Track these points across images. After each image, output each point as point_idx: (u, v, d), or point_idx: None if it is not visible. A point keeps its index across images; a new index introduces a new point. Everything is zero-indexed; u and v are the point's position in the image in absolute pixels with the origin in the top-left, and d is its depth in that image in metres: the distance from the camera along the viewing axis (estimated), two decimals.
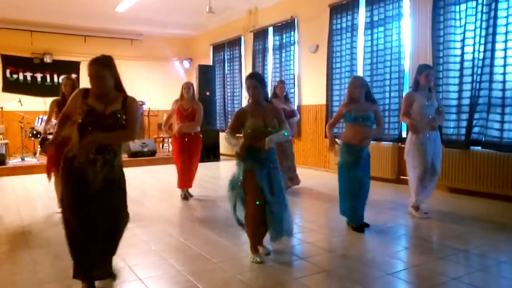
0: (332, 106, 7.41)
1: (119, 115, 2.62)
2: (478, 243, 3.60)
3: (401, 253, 3.45)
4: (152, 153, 9.50)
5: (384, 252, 3.41)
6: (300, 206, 5.23)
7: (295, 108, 6.05)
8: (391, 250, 3.47)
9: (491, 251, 3.38)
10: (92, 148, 2.54)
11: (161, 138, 11.10)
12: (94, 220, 2.58)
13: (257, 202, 3.13)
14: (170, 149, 10.78)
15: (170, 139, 10.97)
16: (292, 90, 8.41)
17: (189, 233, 4.08)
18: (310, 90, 8.10)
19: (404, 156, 4.54)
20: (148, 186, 6.75)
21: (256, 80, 3.27)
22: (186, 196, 5.51)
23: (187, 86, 5.42)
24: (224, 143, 10.32)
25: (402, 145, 6.24)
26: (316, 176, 7.22)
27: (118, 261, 3.14)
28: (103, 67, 2.62)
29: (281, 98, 5.78)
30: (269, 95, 4.26)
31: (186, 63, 12.47)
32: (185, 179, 5.47)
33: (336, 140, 4.23)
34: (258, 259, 3.17)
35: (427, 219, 4.37)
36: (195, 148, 5.49)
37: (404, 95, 4.30)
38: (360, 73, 6.89)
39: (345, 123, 4.10)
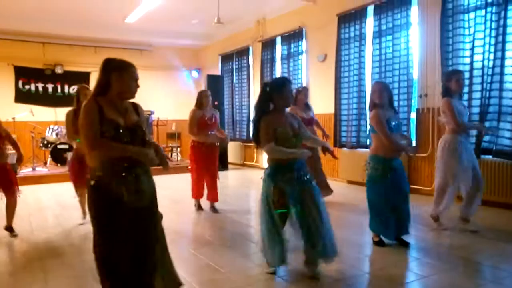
0: (341, 115, 7.40)
1: (141, 126, 2.35)
2: (490, 253, 3.55)
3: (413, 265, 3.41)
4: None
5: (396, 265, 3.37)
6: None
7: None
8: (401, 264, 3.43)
9: (502, 262, 3.33)
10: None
11: (170, 148, 11.16)
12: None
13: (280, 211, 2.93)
14: (179, 158, 10.85)
15: (178, 149, 11.11)
16: None
17: (197, 243, 4.08)
18: (318, 99, 8.10)
19: (436, 163, 4.36)
20: (158, 196, 6.76)
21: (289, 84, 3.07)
22: (200, 206, 5.43)
23: (208, 94, 5.25)
24: (234, 152, 10.39)
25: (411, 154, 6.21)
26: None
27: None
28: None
29: (301, 106, 5.47)
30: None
31: (195, 73, 12.56)
32: (210, 192, 5.35)
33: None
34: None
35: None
36: (214, 159, 5.35)
37: (444, 101, 4.11)
38: (368, 82, 6.88)
39: (371, 133, 3.86)
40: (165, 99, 11.79)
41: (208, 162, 5.25)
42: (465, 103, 5.38)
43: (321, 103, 7.98)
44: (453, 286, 2.86)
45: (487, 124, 5.18)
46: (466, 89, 5.38)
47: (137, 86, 2.35)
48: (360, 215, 4.82)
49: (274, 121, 2.96)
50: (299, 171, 2.96)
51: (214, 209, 5.35)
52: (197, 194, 5.41)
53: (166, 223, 4.82)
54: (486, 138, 5.22)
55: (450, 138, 4.12)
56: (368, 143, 6.77)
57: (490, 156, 5.20)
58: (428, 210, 4.50)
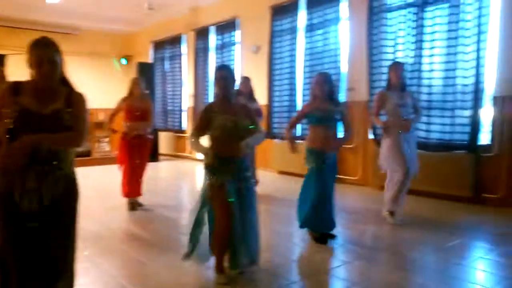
0: (273, 106, 7.51)
1: (62, 115, 2.02)
2: (405, 237, 3.81)
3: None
4: (87, 153, 9.08)
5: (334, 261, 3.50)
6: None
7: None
8: (332, 262, 3.57)
9: (417, 245, 3.59)
10: (26, 153, 1.87)
11: (97, 138, 10.63)
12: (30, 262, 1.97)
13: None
14: (107, 148, 10.39)
15: (107, 139, 10.62)
16: (234, 90, 8.42)
17: (125, 237, 3.94)
18: None
19: (379, 162, 4.35)
20: (82, 188, 6.41)
21: (228, 71, 2.89)
22: (134, 206, 4.93)
23: (137, 81, 4.89)
24: (166, 142, 10.15)
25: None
26: (261, 177, 7.26)
27: None
28: (55, 51, 2.06)
29: (245, 96, 5.24)
30: None
31: (124, 60, 12.05)
32: (134, 187, 4.91)
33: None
34: (224, 280, 2.80)
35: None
36: (146, 152, 5.02)
37: (376, 94, 4.14)
38: (299, 74, 7.04)
39: (309, 125, 3.77)
40: (91, 87, 11.08)
41: (138, 156, 4.88)
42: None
43: (255, 94, 8.02)
44: (374, 271, 3.03)
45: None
46: None
47: (48, 68, 2.02)
48: (289, 206, 4.94)
49: (215, 109, 2.82)
50: (239, 166, 2.82)
51: (138, 205, 5.00)
52: (130, 192, 4.92)
53: (91, 216, 4.64)
54: None
55: (389, 131, 4.13)
56: (299, 134, 6.94)
57: None
58: (356, 200, 4.72)
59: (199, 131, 2.84)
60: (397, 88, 4.15)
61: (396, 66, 4.19)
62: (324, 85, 3.58)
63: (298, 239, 3.85)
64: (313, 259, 3.29)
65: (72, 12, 9.80)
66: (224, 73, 2.87)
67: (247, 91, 5.40)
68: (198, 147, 2.83)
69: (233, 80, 2.92)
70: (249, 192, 2.85)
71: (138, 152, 4.88)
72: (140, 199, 5.03)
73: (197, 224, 2.87)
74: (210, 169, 2.79)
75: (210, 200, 2.81)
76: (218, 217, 2.76)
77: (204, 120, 2.81)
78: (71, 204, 2.15)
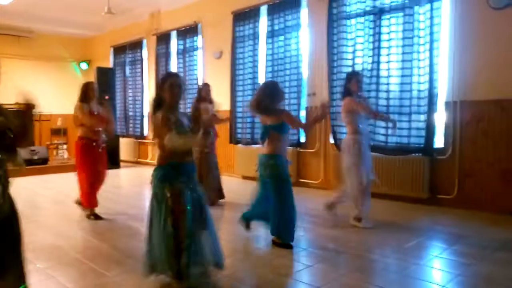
0: (236, 112, 7.50)
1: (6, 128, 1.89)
2: (365, 239, 3.89)
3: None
4: (44, 160, 8.73)
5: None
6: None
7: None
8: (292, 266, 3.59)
9: (377, 247, 3.67)
10: None
11: (55, 145, 10.26)
12: None
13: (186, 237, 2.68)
14: (65, 156, 10.03)
15: (65, 146, 10.27)
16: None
17: (82, 247, 3.79)
18: (214, 96, 8.08)
19: (343, 169, 4.40)
20: (40, 197, 6.17)
21: (180, 79, 2.84)
22: (97, 216, 4.72)
23: (95, 87, 4.77)
24: (127, 149, 9.91)
25: (301, 150, 6.56)
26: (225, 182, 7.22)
27: None
28: None
29: (207, 101, 5.36)
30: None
31: (84, 65, 11.71)
32: (94, 196, 4.72)
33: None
34: (184, 286, 2.70)
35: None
36: (105, 158, 4.85)
37: (347, 100, 4.23)
38: (262, 80, 7.07)
39: (275, 133, 3.62)
40: (49, 93, 10.75)
41: (101, 163, 4.74)
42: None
43: (218, 99, 7.98)
44: (336, 274, 3.08)
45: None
46: None
47: None
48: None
49: (170, 116, 2.73)
50: (189, 174, 2.81)
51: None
52: (91, 202, 4.71)
53: (47, 226, 4.45)
54: None
55: (355, 138, 4.22)
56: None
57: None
58: (317, 203, 4.76)
59: (170, 130, 2.64)
60: (356, 96, 4.28)
61: (358, 76, 4.33)
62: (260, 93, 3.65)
63: (261, 244, 3.84)
64: (275, 263, 3.30)
65: (26, 14, 9.41)
66: (178, 80, 2.81)
67: (209, 97, 5.47)
68: (184, 138, 2.68)
69: (185, 89, 2.90)
70: (202, 199, 2.84)
71: (100, 158, 4.72)
72: (97, 209, 4.83)
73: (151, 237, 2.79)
74: (166, 176, 2.72)
75: (167, 208, 2.70)
76: (177, 225, 2.67)
77: (170, 122, 2.67)
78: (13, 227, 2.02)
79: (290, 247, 3.64)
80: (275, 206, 3.62)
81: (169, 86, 2.76)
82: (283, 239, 3.67)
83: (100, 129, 4.75)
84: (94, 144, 4.66)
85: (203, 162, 5.12)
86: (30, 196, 6.19)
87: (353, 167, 4.24)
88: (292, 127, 3.71)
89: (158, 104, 2.79)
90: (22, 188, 6.97)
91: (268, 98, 3.58)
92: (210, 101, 5.49)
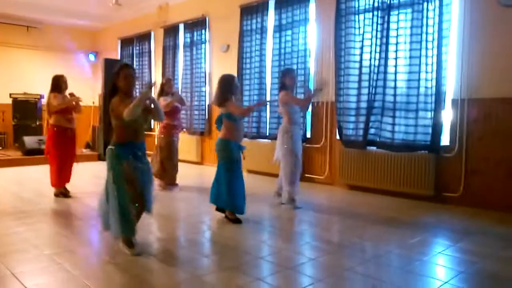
0: (243, 105, 7.48)
1: None
2: (370, 235, 3.90)
3: (304, 247, 3.60)
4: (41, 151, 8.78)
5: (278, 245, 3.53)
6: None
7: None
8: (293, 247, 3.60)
9: (381, 242, 3.68)
10: None
11: None
12: None
13: (136, 205, 3.25)
14: None
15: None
16: (203, 89, 8.39)
17: (89, 235, 3.83)
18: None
19: (276, 154, 4.96)
20: (45, 186, 6.20)
21: (133, 70, 3.34)
22: (65, 193, 5.38)
23: (65, 79, 5.44)
24: None
25: (307, 145, 6.56)
26: None
27: (1, 270, 2.84)
28: None
29: (169, 95, 5.90)
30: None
31: (92, 56, 11.75)
32: (65, 176, 5.38)
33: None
34: (135, 252, 3.20)
35: (326, 214, 4.61)
36: (74, 143, 5.45)
37: (283, 93, 4.82)
38: (268, 74, 7.07)
39: (227, 121, 4.15)
40: None
41: (72, 146, 5.39)
42: (355, 98, 5.85)
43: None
44: (339, 267, 3.09)
45: (372, 118, 5.66)
46: (356, 85, 5.83)
47: None
48: (259, 202, 4.97)
49: (123, 103, 3.16)
50: (140, 149, 3.29)
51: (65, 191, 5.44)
52: (60, 181, 5.36)
53: (53, 214, 4.50)
54: (372, 131, 5.70)
55: (290, 128, 4.80)
56: (268, 134, 6.99)
57: (375, 148, 5.70)
58: (322, 198, 4.77)
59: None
60: (292, 90, 4.93)
61: (292, 72, 4.97)
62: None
63: (266, 237, 3.86)
64: (279, 256, 3.31)
65: (35, 5, 9.44)
66: (132, 71, 3.28)
67: (171, 91, 5.97)
68: (136, 104, 3.06)
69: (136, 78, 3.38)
70: (147, 167, 3.35)
71: (69, 143, 5.33)
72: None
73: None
74: (124, 154, 3.20)
75: (124, 181, 3.16)
76: (132, 196, 3.19)
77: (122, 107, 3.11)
78: None
79: (240, 221, 4.15)
80: (226, 185, 4.12)
81: (124, 76, 3.21)
82: (237, 211, 4.17)
83: (71, 116, 5.32)
84: (66, 130, 5.26)
85: (170, 147, 5.93)
86: (37, 184, 6.25)
87: (286, 153, 4.78)
88: (237, 115, 4.14)
89: (112, 91, 3.24)
90: (29, 177, 7.03)
91: (222, 90, 4.12)
92: (172, 94, 5.96)
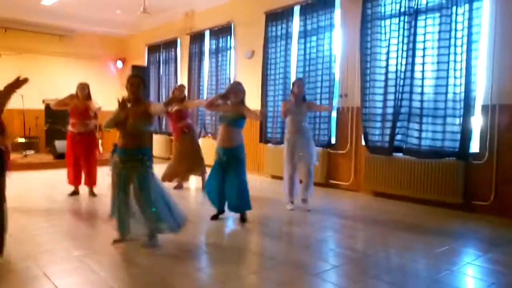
0: (267, 111, 7.52)
1: None
2: (395, 243, 3.83)
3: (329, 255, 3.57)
4: None
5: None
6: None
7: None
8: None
9: (407, 251, 3.61)
10: None
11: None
12: None
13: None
14: (100, 150, 10.33)
15: (100, 141, 10.56)
16: None
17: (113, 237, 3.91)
18: (248, 96, 8.16)
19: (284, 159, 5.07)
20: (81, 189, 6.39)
21: (139, 79, 3.62)
22: (74, 193, 5.75)
23: (82, 86, 5.78)
24: (159, 145, 10.12)
25: (331, 151, 6.52)
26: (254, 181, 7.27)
27: (33, 269, 2.95)
28: None
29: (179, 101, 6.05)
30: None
31: (119, 63, 12.04)
32: (74, 176, 5.75)
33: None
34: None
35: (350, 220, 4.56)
36: (93, 144, 5.85)
37: (282, 104, 5.16)
38: (293, 80, 7.06)
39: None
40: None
41: (84, 149, 5.67)
42: (381, 104, 5.77)
43: (248, 98, 8.00)
44: (363, 275, 3.05)
45: (398, 124, 5.57)
46: (382, 91, 5.76)
47: None
48: (278, 207, 4.96)
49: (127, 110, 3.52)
50: (129, 156, 3.51)
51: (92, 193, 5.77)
52: (69, 180, 5.78)
53: (84, 216, 4.62)
54: (398, 137, 5.61)
55: (286, 136, 5.01)
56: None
57: (401, 154, 5.60)
58: (347, 205, 4.73)
59: (113, 122, 3.51)
60: (298, 98, 5.00)
61: (299, 81, 5.14)
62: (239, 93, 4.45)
63: (288, 243, 3.85)
64: (302, 262, 3.30)
65: (67, 14, 9.80)
66: (136, 80, 3.58)
67: (181, 97, 6.10)
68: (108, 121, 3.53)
69: (143, 86, 3.63)
70: (143, 175, 3.50)
71: (78, 147, 5.67)
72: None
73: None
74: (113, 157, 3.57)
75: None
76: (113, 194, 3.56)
77: (118, 116, 3.47)
78: None
79: (218, 215, 4.50)
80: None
81: (129, 85, 3.55)
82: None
83: (75, 121, 5.69)
84: (73, 135, 5.67)
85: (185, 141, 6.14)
86: (68, 187, 6.43)
87: (285, 160, 4.99)
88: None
89: (123, 99, 3.54)
90: (60, 180, 7.24)
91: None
92: (182, 100, 6.13)
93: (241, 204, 4.37)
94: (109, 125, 3.55)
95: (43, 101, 10.04)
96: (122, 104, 3.47)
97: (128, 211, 3.53)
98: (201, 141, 8.80)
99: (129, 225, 3.57)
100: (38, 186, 6.66)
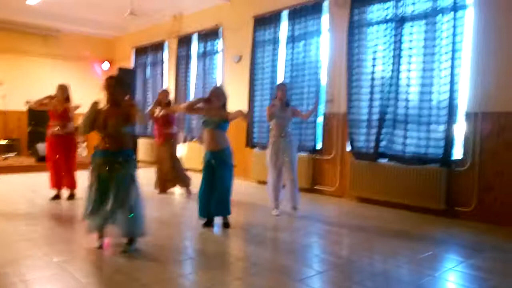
0: (254, 116, 7.52)
1: None
2: (379, 249, 3.85)
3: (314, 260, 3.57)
4: None
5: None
6: None
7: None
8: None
9: (391, 256, 3.63)
10: None
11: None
12: None
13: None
14: (84, 153, 10.19)
15: (85, 144, 10.43)
16: None
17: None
18: (232, 99, 8.07)
19: (266, 163, 5.11)
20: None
21: (116, 79, 3.66)
22: (56, 197, 5.69)
23: (60, 87, 5.77)
24: (145, 149, 10.03)
25: (317, 156, 6.54)
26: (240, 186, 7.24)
27: (11, 276, 2.87)
28: None
29: (162, 105, 6.17)
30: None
31: (106, 65, 11.91)
32: (55, 180, 5.69)
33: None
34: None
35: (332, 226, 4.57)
36: (61, 148, 5.69)
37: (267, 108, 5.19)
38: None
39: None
40: (73, 90, 10.96)
41: (63, 151, 5.65)
42: (366, 110, 5.81)
43: (236, 103, 7.97)
44: (347, 281, 3.05)
45: (384, 130, 5.62)
46: (367, 97, 5.80)
47: None
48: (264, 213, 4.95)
49: (102, 111, 3.54)
50: (108, 158, 3.50)
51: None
52: (51, 184, 5.71)
53: (64, 221, 4.53)
54: (383, 143, 5.66)
55: (269, 141, 5.07)
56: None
57: (386, 160, 5.65)
58: (331, 211, 4.74)
59: (87, 125, 3.53)
60: (282, 102, 5.03)
61: (282, 86, 5.17)
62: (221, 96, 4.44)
63: (273, 248, 3.84)
64: (287, 268, 3.28)
65: (52, 14, 9.64)
66: (110, 81, 3.59)
67: (165, 101, 6.21)
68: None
69: (121, 88, 3.62)
70: (123, 177, 3.48)
71: (57, 149, 5.63)
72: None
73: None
74: (93, 159, 3.55)
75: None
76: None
77: (88, 117, 3.52)
78: None
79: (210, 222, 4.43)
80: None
81: (105, 86, 3.57)
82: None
83: (52, 123, 5.65)
84: (51, 137, 5.65)
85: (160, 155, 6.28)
86: (49, 191, 6.31)
87: (269, 164, 5.02)
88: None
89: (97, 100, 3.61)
90: (40, 184, 7.11)
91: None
92: (167, 105, 6.21)
93: (220, 208, 4.35)
94: (84, 129, 3.55)
95: (27, 102, 9.86)
96: (93, 104, 3.50)
97: (103, 213, 3.47)
98: (187, 146, 8.78)
99: (102, 225, 3.54)
100: (19, 189, 6.53)
